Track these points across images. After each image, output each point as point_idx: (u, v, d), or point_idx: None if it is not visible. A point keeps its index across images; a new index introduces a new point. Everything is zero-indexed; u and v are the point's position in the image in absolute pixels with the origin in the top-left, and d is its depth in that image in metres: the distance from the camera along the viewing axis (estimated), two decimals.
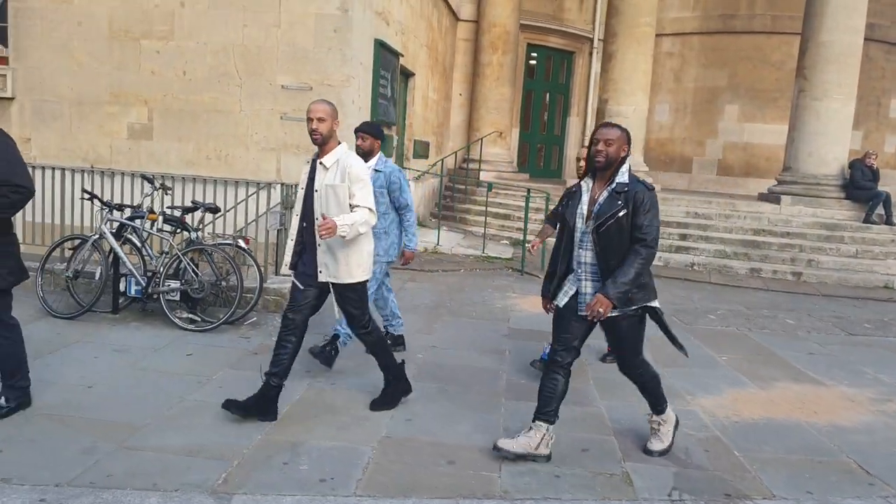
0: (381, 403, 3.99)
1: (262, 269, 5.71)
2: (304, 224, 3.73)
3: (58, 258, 5.81)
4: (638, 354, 3.52)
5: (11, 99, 7.51)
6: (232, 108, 7.24)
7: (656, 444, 3.62)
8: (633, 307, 3.29)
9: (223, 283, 5.43)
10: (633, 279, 3.17)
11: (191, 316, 5.26)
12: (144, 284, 5.33)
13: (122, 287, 5.46)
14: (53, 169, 7.04)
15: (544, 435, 3.41)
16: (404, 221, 4.70)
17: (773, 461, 3.61)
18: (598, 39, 14.98)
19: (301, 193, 3.73)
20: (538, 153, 15.70)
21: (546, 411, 3.43)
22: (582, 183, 3.39)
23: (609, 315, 3.24)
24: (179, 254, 5.26)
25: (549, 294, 3.52)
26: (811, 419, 4.26)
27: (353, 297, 3.81)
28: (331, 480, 3.08)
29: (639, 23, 11.69)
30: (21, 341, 3.62)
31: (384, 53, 8.01)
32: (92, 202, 5.58)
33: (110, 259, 5.45)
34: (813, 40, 10.92)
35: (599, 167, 3.25)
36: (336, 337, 4.65)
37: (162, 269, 5.28)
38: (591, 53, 15.24)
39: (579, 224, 3.31)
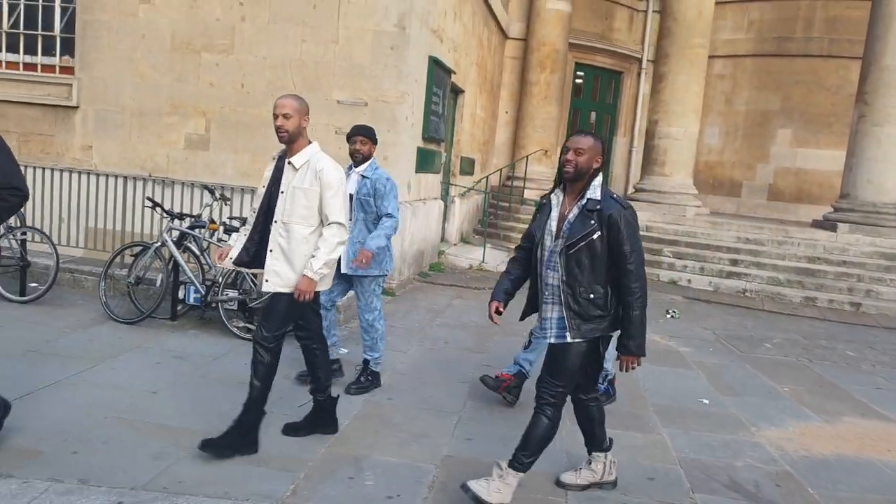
0: (218, 445, 3.32)
1: None
2: (260, 222, 3.46)
3: (118, 264, 5.98)
4: (595, 382, 3.32)
5: (76, 108, 7.80)
6: None
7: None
8: (594, 336, 3.01)
9: None
10: (642, 321, 2.94)
11: (248, 325, 5.36)
12: (203, 293, 5.45)
13: (181, 294, 5.60)
14: (116, 177, 7.29)
15: (604, 463, 3.37)
16: (380, 223, 4.32)
17: (849, 501, 3.51)
18: (648, 60, 14.94)
19: (261, 191, 3.48)
20: None
21: (596, 442, 3.37)
22: (552, 195, 3.07)
23: (562, 342, 3.01)
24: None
25: (501, 297, 3.22)
26: (884, 457, 4.14)
27: (292, 310, 3.43)
28: (397, 498, 3.09)
29: (691, 44, 11.63)
30: None
31: (437, 70, 8.12)
32: (154, 210, 5.74)
33: (170, 267, 5.59)
34: (875, 64, 10.72)
35: (568, 178, 2.93)
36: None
37: (221, 279, 5.39)
38: (639, 74, 15.20)
39: (547, 241, 3.01)
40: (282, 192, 3.37)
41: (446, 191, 9.91)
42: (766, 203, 14.69)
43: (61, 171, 7.46)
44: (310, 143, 3.42)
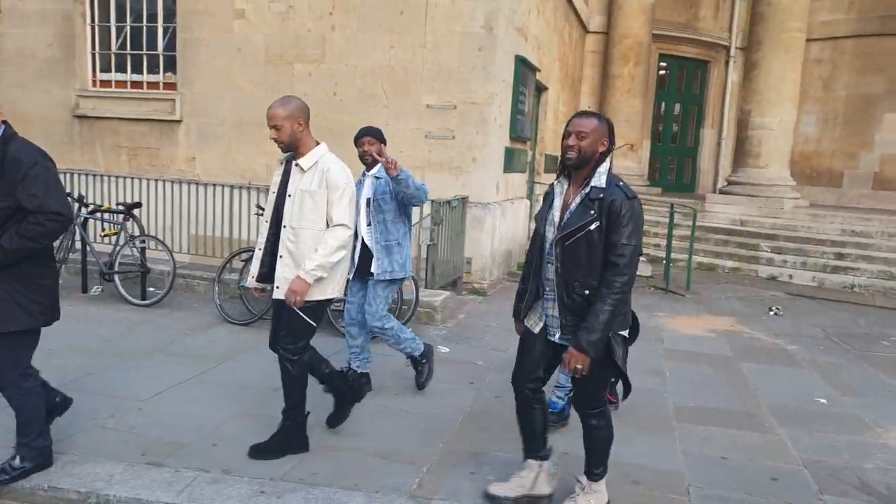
0: (265, 450, 3.42)
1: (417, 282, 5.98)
2: (272, 231, 3.40)
3: (227, 268, 6.36)
4: (604, 388, 2.96)
5: (179, 122, 8.33)
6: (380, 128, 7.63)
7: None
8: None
9: None
10: (608, 321, 2.64)
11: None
12: None
13: None
14: (222, 186, 7.74)
15: (538, 473, 3.09)
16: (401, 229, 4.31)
17: None
18: (736, 48, 14.48)
19: (272, 198, 3.42)
20: (670, 166, 15.34)
21: (534, 448, 3.10)
22: (556, 183, 2.87)
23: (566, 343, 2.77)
24: None
25: (519, 315, 3.01)
26: None
27: (307, 317, 3.31)
28: None
29: (787, 28, 11.21)
30: (38, 393, 3.13)
31: (524, 69, 8.19)
32: (260, 216, 6.06)
33: None
34: None
35: (571, 164, 2.74)
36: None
37: None
38: (727, 62, 14.73)
39: (549, 233, 2.82)
40: (289, 196, 3.29)
41: (531, 189, 9.96)
42: (870, 193, 13.93)
43: (168, 181, 7.97)
44: (317, 143, 3.35)
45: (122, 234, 6.52)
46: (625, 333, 2.80)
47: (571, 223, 2.70)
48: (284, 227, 3.29)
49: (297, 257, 3.27)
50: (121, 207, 6.70)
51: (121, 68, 8.66)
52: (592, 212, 2.67)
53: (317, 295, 3.29)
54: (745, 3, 14.16)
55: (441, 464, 3.46)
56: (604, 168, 2.73)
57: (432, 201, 6.78)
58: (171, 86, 8.43)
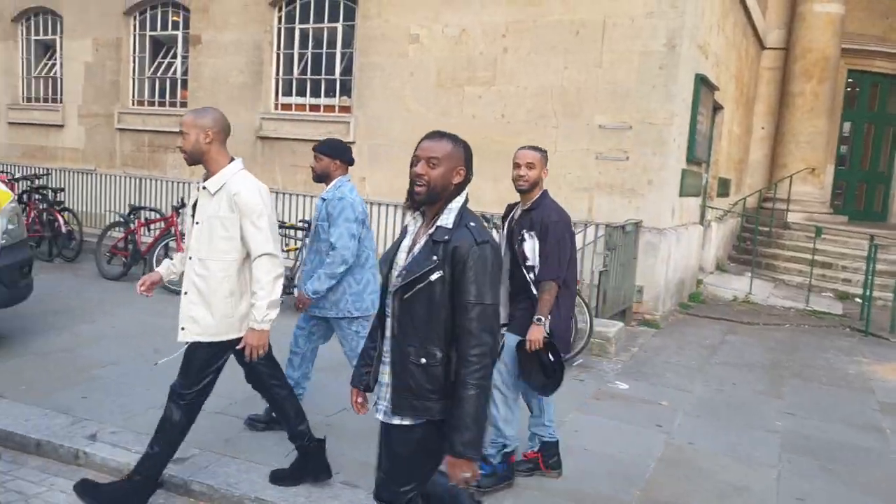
0: (285, 476, 3.27)
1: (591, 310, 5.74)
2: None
3: None
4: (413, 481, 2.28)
5: (353, 143, 8.69)
6: (547, 149, 7.47)
7: None
8: (425, 419, 2.17)
9: None
10: (478, 409, 2.05)
11: None
12: None
13: None
14: (388, 206, 7.96)
15: None
16: (325, 261, 3.61)
17: None
18: None
19: (188, 225, 3.09)
20: (857, 193, 13.87)
21: None
22: (411, 219, 2.33)
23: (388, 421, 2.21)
24: None
25: (360, 382, 2.37)
26: None
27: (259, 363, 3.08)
28: None
29: None
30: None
31: (703, 88, 7.74)
32: None
33: None
34: None
35: (419, 199, 2.18)
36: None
37: None
38: None
39: (392, 278, 2.24)
40: (196, 223, 2.96)
41: (702, 214, 9.36)
42: None
43: None
44: (232, 160, 2.97)
45: (304, 249, 6.86)
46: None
47: (411, 271, 2.14)
48: (190, 258, 2.99)
49: (205, 294, 2.94)
50: (302, 224, 7.06)
51: (301, 92, 9.21)
52: (435, 257, 2.11)
53: (226, 334, 2.99)
54: None
55: None
56: (456, 203, 2.19)
57: (606, 225, 6.53)
58: (345, 108, 8.84)
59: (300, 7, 9.00)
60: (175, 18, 10.08)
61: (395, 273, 2.22)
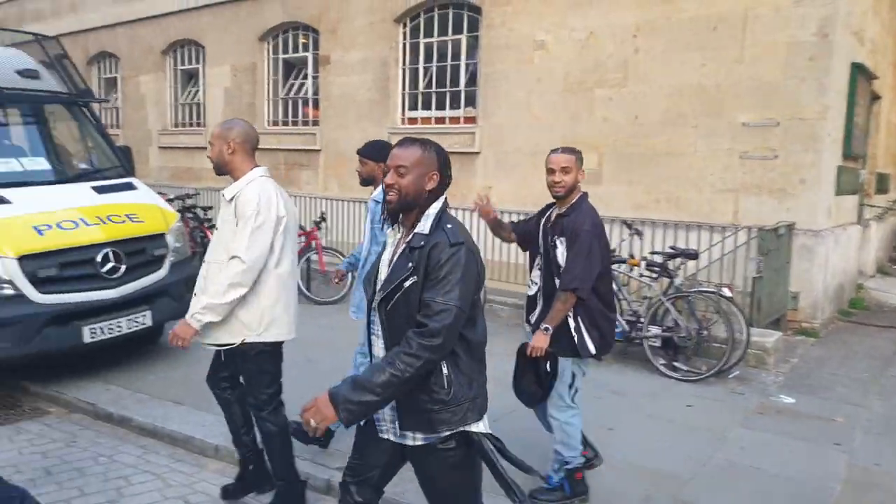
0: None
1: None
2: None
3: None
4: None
5: (477, 153, 8.78)
6: (685, 150, 7.25)
7: None
8: (441, 433, 2.11)
9: (704, 332, 5.32)
10: (387, 385, 1.98)
11: (674, 363, 5.27)
12: (626, 328, 5.53)
13: None
14: (513, 213, 7.95)
15: None
16: None
17: None
18: None
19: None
20: None
21: None
22: (389, 230, 2.29)
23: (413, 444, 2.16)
24: (664, 300, 5.33)
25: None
26: None
27: (249, 366, 3.08)
28: None
29: None
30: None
31: (860, 78, 7.19)
32: None
33: None
34: None
35: (392, 209, 2.19)
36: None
37: (645, 315, 5.41)
38: None
39: (375, 293, 2.21)
40: (216, 230, 3.15)
41: (860, 213, 8.67)
42: None
43: (465, 210, 8.39)
44: (252, 168, 3.07)
45: None
46: (480, 428, 2.16)
47: (390, 280, 2.13)
48: (205, 262, 3.14)
49: (209, 289, 3.02)
50: None
51: (426, 105, 9.42)
52: (411, 264, 2.09)
53: (224, 338, 3.03)
54: None
55: None
56: (433, 209, 2.17)
57: (759, 228, 6.20)
58: (470, 119, 8.94)
59: (424, 22, 9.22)
60: (304, 41, 10.63)
61: (378, 287, 2.20)
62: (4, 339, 4.38)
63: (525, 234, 3.49)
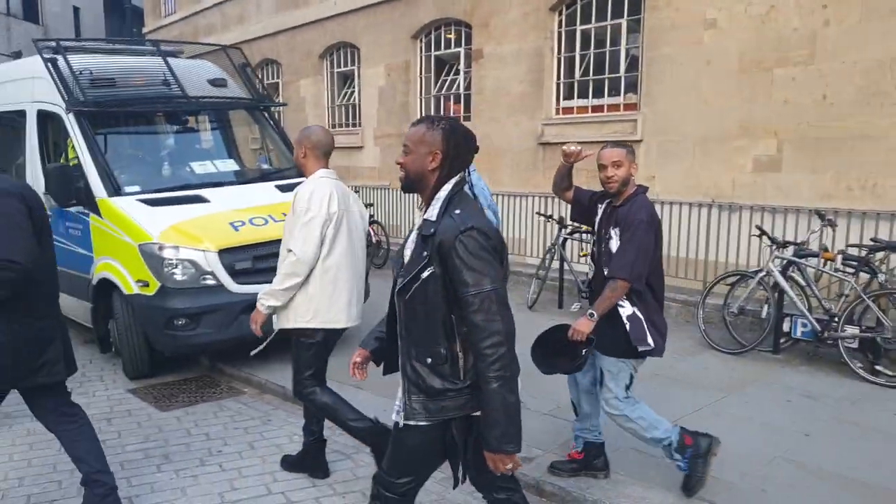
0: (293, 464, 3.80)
1: None
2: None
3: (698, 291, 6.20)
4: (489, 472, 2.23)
5: (639, 141, 8.56)
6: (885, 132, 6.63)
7: None
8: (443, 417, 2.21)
9: None
10: (506, 402, 2.05)
11: (875, 367, 4.88)
12: (817, 327, 5.19)
13: (785, 327, 5.46)
14: (681, 204, 7.71)
15: None
16: None
17: None
18: None
19: None
20: None
21: None
22: (418, 211, 2.31)
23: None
24: (865, 297, 4.95)
25: (369, 344, 2.56)
26: None
27: (295, 349, 3.46)
28: None
29: None
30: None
31: None
32: (760, 238, 5.77)
33: (776, 297, 5.51)
34: None
35: (404, 189, 2.31)
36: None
37: (841, 313, 5.05)
38: None
39: (397, 279, 2.26)
40: (285, 222, 3.50)
41: None
42: None
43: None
44: (320, 168, 3.47)
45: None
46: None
47: (407, 270, 2.18)
48: (287, 250, 3.44)
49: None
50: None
51: (582, 94, 9.32)
52: (425, 253, 2.12)
53: (283, 323, 3.42)
54: None
55: None
56: (443, 192, 2.17)
57: None
58: (631, 106, 8.74)
59: (581, 8, 9.14)
60: (451, 36, 10.91)
61: (398, 273, 2.26)
62: (208, 326, 4.93)
63: (580, 200, 3.51)
